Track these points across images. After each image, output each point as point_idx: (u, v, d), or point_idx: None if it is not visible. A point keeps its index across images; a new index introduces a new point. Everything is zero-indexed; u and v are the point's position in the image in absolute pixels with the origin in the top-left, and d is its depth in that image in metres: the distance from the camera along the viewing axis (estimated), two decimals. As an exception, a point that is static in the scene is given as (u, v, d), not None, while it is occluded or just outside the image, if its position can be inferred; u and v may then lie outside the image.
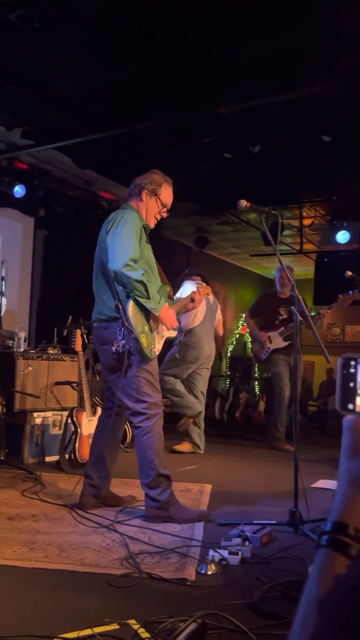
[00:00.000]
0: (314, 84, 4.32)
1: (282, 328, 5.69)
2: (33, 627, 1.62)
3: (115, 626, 1.66)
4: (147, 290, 2.71)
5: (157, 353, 2.84)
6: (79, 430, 4.03)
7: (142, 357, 2.73)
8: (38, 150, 5.89)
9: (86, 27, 3.83)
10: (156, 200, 2.96)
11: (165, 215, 3.03)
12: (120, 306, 2.72)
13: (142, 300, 2.72)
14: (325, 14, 3.60)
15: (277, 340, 5.74)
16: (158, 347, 2.86)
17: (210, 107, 4.71)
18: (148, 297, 2.73)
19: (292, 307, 2.96)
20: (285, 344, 5.63)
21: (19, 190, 6.29)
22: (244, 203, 2.93)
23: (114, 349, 2.68)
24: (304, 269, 9.54)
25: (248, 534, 2.45)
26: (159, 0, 3.52)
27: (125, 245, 2.68)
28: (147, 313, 2.77)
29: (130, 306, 2.70)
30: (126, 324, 2.68)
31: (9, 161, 6.36)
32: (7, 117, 5.31)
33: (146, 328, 2.75)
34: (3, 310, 5.51)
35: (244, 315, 6.14)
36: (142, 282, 2.68)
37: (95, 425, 4.10)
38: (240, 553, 2.27)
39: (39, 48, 4.07)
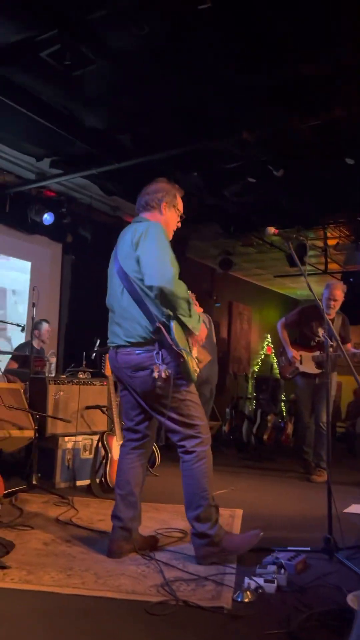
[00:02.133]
0: (335, 109, 4.38)
1: (318, 353, 5.14)
2: (75, 655, 1.65)
3: (155, 655, 1.68)
4: (190, 308, 2.56)
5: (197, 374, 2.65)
6: (109, 454, 4.07)
7: (188, 380, 2.56)
8: (66, 179, 6.06)
9: (115, 62, 3.97)
10: (175, 211, 2.81)
11: (179, 225, 2.89)
12: (161, 328, 2.51)
13: (184, 319, 2.52)
14: (343, 42, 3.68)
15: (308, 364, 5.20)
16: (196, 368, 2.66)
17: (234, 133, 4.81)
18: (190, 316, 2.56)
19: (323, 334, 2.95)
20: (317, 371, 5.14)
21: (47, 218, 6.47)
22: (271, 230, 2.96)
23: (155, 374, 2.47)
24: (329, 289, 9.51)
25: (283, 561, 2.44)
26: (183, 33, 3.64)
27: (166, 259, 2.49)
28: (186, 333, 2.58)
29: (175, 327, 2.50)
30: (174, 347, 2.48)
31: (37, 190, 6.56)
32: (36, 148, 5.50)
33: (188, 349, 2.55)
34: (46, 335, 5.65)
35: (277, 324, 5.50)
36: (187, 300, 2.53)
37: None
38: (276, 581, 2.26)
39: (68, 83, 4.23)
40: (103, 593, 2.16)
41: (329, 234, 7.69)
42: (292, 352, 5.26)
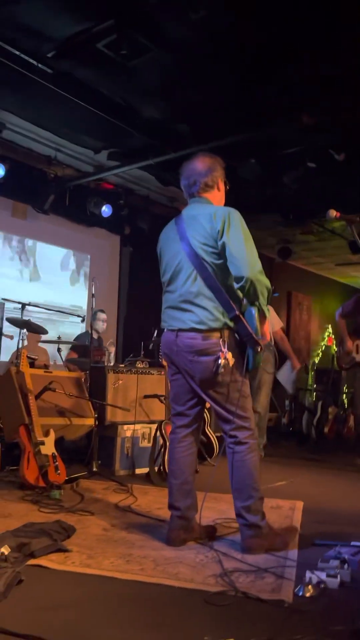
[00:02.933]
0: None
1: None
2: (134, 640, 1.65)
3: (214, 645, 1.65)
4: (269, 296, 2.54)
5: None
6: (168, 443, 4.07)
7: (255, 367, 2.56)
8: (124, 170, 6.10)
9: (172, 52, 3.94)
10: (225, 183, 2.76)
11: None
12: (241, 317, 2.50)
13: (264, 307, 2.53)
14: None
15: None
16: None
17: (294, 117, 4.67)
18: (268, 303, 2.57)
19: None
20: None
21: (106, 210, 6.55)
22: (333, 213, 2.83)
23: (222, 361, 2.45)
24: (392, 277, 9.15)
25: (346, 557, 2.36)
26: (239, 18, 3.56)
27: (253, 250, 2.49)
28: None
29: (256, 315, 2.51)
30: (253, 335, 2.48)
31: (96, 182, 6.64)
32: (94, 140, 5.57)
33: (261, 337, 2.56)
34: (104, 325, 5.76)
35: (336, 313, 5.52)
36: (269, 288, 2.53)
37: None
38: (339, 576, 2.19)
39: (125, 73, 4.23)
40: (162, 580, 2.17)
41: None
42: (348, 342, 5.21)
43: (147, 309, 7.05)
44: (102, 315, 5.84)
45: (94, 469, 4.08)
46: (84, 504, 3.35)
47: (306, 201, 6.68)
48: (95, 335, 5.72)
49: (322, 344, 11.52)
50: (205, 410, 4.81)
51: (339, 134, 5.01)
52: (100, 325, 5.80)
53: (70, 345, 5.80)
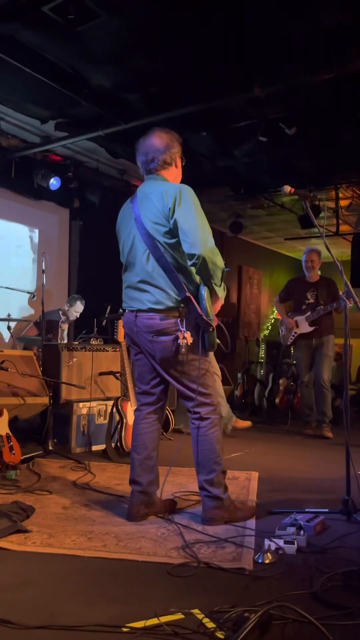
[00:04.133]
0: (352, 62, 4.20)
1: (309, 313, 5.65)
2: (101, 617, 1.66)
3: (180, 616, 1.69)
4: (222, 278, 2.56)
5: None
6: (124, 419, 4.08)
7: (210, 348, 2.59)
8: (72, 141, 5.91)
9: (119, 17, 3.80)
10: (182, 159, 2.75)
11: None
12: (191, 297, 2.50)
13: (216, 288, 2.56)
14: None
15: (303, 325, 5.69)
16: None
17: (246, 90, 4.64)
18: (220, 285, 2.58)
19: (342, 294, 2.90)
20: (311, 329, 5.63)
21: (54, 183, 6.34)
22: (288, 189, 2.87)
23: (181, 341, 2.47)
24: (340, 251, 9.38)
25: (302, 523, 2.45)
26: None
27: (205, 227, 2.48)
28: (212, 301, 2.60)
29: (206, 296, 2.52)
30: (204, 316, 2.50)
31: (43, 154, 6.41)
32: (40, 109, 5.35)
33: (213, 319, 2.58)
34: (77, 315, 5.68)
35: (274, 300, 6.13)
36: (222, 270, 2.53)
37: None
38: (295, 542, 2.27)
39: (73, 39, 4.06)
40: (125, 555, 2.19)
41: (340, 195, 7.52)
42: (289, 320, 5.81)
43: (99, 284, 6.95)
44: (81, 307, 5.73)
45: (50, 448, 4.03)
46: (42, 483, 3.32)
47: (257, 175, 6.69)
48: (63, 318, 5.62)
49: (272, 317, 11.74)
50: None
51: (291, 107, 5.02)
52: (73, 314, 5.71)
53: (25, 323, 5.65)
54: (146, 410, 2.77)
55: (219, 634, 1.57)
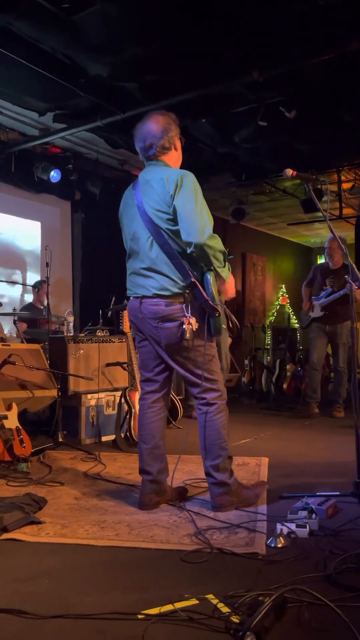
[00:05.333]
0: (351, 42, 4.14)
1: (323, 298, 5.76)
2: (116, 605, 1.67)
3: (194, 601, 1.70)
4: (225, 259, 2.55)
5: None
6: (132, 409, 4.09)
7: (216, 333, 2.56)
8: (71, 133, 5.88)
9: (115, 4, 3.75)
10: (181, 141, 2.72)
11: None
12: (196, 283, 2.49)
13: (219, 270, 2.54)
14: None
15: (316, 310, 5.83)
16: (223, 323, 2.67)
17: (244, 75, 4.59)
18: (224, 266, 2.56)
19: (347, 276, 2.88)
20: (321, 314, 5.74)
21: (54, 175, 6.33)
22: (290, 172, 2.83)
23: (186, 327, 2.46)
24: (344, 234, 9.28)
25: (313, 507, 2.45)
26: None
27: (203, 214, 2.46)
28: (218, 284, 2.59)
29: (212, 280, 2.50)
30: (210, 302, 2.48)
31: (42, 147, 6.39)
32: (38, 102, 5.31)
33: (220, 302, 2.57)
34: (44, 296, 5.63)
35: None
36: (223, 252, 2.52)
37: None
38: (308, 526, 2.28)
39: (68, 28, 4.02)
40: (138, 544, 2.20)
41: (343, 177, 7.45)
42: (306, 304, 5.96)
43: (103, 275, 6.96)
44: (44, 287, 5.70)
45: (60, 440, 4.05)
46: (53, 474, 3.34)
47: (258, 161, 6.64)
48: (40, 306, 5.62)
49: (277, 303, 11.71)
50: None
51: (290, 91, 4.96)
52: (43, 297, 5.69)
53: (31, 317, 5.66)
54: (150, 399, 2.76)
55: (234, 619, 1.58)
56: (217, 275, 2.56)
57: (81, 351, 4.45)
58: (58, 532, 2.33)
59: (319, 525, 2.33)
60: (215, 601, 1.69)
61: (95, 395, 4.42)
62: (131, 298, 2.70)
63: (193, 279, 2.49)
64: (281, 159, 6.47)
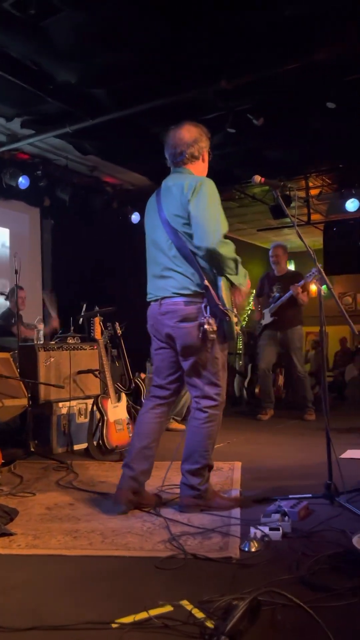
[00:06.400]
0: (318, 52, 4.22)
1: (272, 305, 5.89)
2: (90, 614, 1.65)
3: (169, 608, 1.69)
4: (237, 267, 2.58)
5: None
6: (105, 417, 4.06)
7: (229, 338, 2.59)
8: (39, 139, 5.84)
9: (83, 11, 3.75)
10: (209, 153, 2.79)
11: None
12: (209, 286, 2.53)
13: (232, 278, 2.58)
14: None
15: (266, 317, 5.93)
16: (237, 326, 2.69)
17: (212, 83, 4.64)
18: (237, 273, 2.59)
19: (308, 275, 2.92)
20: (271, 319, 5.85)
21: (22, 182, 6.27)
22: (258, 178, 2.88)
23: (207, 326, 2.47)
24: (312, 240, 9.46)
25: (286, 509, 2.47)
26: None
27: (216, 220, 2.50)
28: (231, 290, 2.63)
29: (223, 285, 2.55)
30: (220, 306, 2.52)
31: (10, 153, 6.32)
32: (5, 107, 5.27)
33: (231, 307, 2.60)
34: (21, 302, 5.53)
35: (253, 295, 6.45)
36: (235, 259, 2.55)
37: (121, 410, 4.15)
38: (281, 528, 2.29)
39: (36, 34, 4.00)
40: (111, 552, 2.18)
41: (310, 184, 7.59)
42: (257, 314, 6.09)
43: (74, 282, 6.90)
44: (22, 293, 5.62)
45: (31, 449, 3.99)
46: (24, 485, 3.28)
47: (227, 167, 6.71)
48: (13, 310, 5.52)
49: (248, 309, 11.80)
50: (140, 380, 4.84)
51: (259, 99, 5.03)
52: (20, 303, 5.59)
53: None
54: (156, 402, 2.79)
55: (209, 624, 1.58)
56: (231, 283, 2.60)
57: (52, 359, 4.40)
58: (30, 543, 2.29)
59: (291, 528, 2.35)
60: (189, 607, 1.69)
61: (67, 404, 4.37)
62: (151, 303, 2.73)
63: (206, 282, 2.53)
64: (250, 165, 6.55)
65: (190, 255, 2.55)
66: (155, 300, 2.69)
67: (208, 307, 2.52)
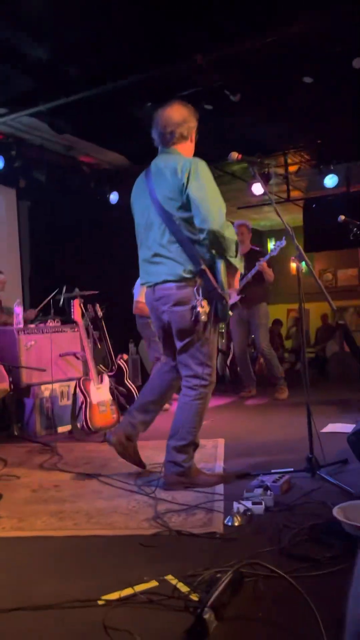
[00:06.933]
0: (292, 24, 4.17)
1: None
2: (76, 593, 1.67)
3: (154, 583, 1.72)
4: (237, 249, 2.59)
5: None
6: (88, 399, 4.06)
7: (223, 319, 2.66)
8: (13, 118, 5.70)
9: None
10: (196, 133, 2.81)
11: None
12: (206, 270, 2.54)
13: (232, 260, 2.59)
14: None
15: (233, 296, 5.83)
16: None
17: (187, 58, 4.56)
18: (236, 256, 2.62)
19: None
20: (237, 298, 5.78)
21: (-3, 162, 6.12)
22: (235, 155, 2.85)
23: (199, 309, 2.52)
24: (292, 217, 9.47)
25: (268, 484, 2.51)
26: None
27: (218, 202, 2.52)
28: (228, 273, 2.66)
29: (222, 269, 2.57)
30: (218, 289, 2.56)
31: (-17, 133, 6.17)
32: (-24, 86, 5.12)
33: (227, 289, 2.64)
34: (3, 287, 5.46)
35: None
36: (236, 242, 2.57)
37: (103, 392, 4.16)
38: (263, 502, 2.34)
39: (5, 10, 3.88)
40: (97, 532, 2.20)
41: (289, 160, 7.55)
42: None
43: (53, 264, 6.82)
44: (1, 277, 5.54)
45: (15, 433, 3.99)
46: (8, 468, 3.28)
47: (204, 144, 6.63)
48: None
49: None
50: (123, 361, 4.83)
51: (235, 74, 4.97)
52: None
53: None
54: (171, 364, 2.86)
55: (194, 597, 1.61)
56: (229, 265, 2.61)
57: (33, 342, 4.37)
58: (15, 526, 2.30)
59: (274, 502, 2.40)
60: (174, 581, 1.72)
61: (49, 387, 4.37)
62: (146, 288, 2.77)
63: (203, 266, 2.55)
64: (228, 142, 6.49)
65: (185, 240, 2.56)
66: (149, 286, 2.72)
67: (200, 290, 2.54)
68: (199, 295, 2.54)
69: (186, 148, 2.74)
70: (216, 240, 2.50)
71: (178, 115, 2.69)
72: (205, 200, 2.49)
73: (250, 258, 5.72)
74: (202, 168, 2.55)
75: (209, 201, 2.49)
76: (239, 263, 2.65)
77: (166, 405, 4.99)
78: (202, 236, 2.52)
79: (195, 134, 2.79)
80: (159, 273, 2.64)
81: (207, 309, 2.55)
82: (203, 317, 2.54)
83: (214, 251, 2.57)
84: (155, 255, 2.65)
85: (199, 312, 2.53)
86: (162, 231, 2.61)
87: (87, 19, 4.07)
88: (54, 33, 4.25)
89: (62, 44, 4.41)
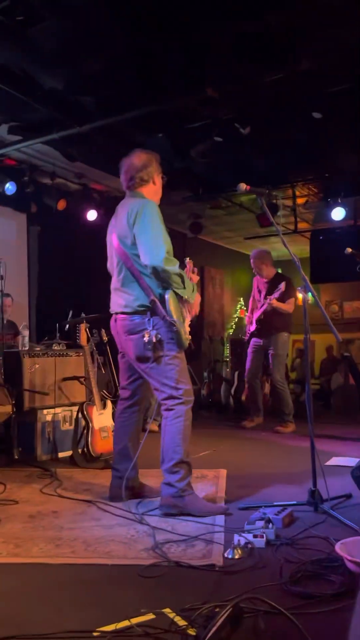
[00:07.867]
0: (301, 61, 4.27)
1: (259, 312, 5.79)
2: (71, 623, 1.64)
3: (151, 616, 1.68)
4: (183, 281, 2.78)
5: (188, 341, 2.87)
6: (90, 424, 4.04)
7: (179, 346, 2.79)
8: (26, 145, 5.83)
9: (71, 19, 3.76)
10: (160, 176, 3.02)
11: None
12: (156, 301, 2.75)
13: (179, 291, 2.79)
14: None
15: (254, 324, 5.89)
16: (187, 335, 2.88)
17: (198, 91, 4.66)
18: (184, 287, 2.81)
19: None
20: (253, 327, 5.82)
21: (9, 188, 6.24)
22: (243, 186, 2.91)
23: (146, 339, 2.73)
24: (299, 248, 9.52)
25: (270, 516, 2.47)
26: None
27: (159, 238, 2.72)
28: (181, 303, 2.84)
29: (171, 299, 2.74)
30: (167, 317, 2.73)
31: (-3, 158, 6.29)
32: (-8, 114, 5.25)
33: (181, 318, 2.79)
34: (9, 310, 5.49)
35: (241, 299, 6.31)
36: (180, 274, 2.75)
37: (106, 418, 4.13)
38: (264, 535, 2.29)
39: (22, 41, 4.00)
40: (94, 560, 2.16)
41: (297, 192, 7.64)
42: (246, 318, 6.04)
43: (60, 289, 6.87)
44: (7, 300, 5.57)
45: (15, 457, 3.96)
46: (7, 493, 3.24)
47: (214, 175, 6.74)
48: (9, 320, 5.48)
49: (235, 316, 11.83)
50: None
51: (244, 107, 5.08)
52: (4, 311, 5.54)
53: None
54: (123, 405, 3.06)
55: (191, 631, 1.57)
56: (179, 296, 2.80)
57: (37, 365, 4.37)
58: (11, 552, 2.26)
59: (275, 535, 2.35)
60: (172, 615, 1.68)
61: (52, 411, 4.34)
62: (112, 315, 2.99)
63: (152, 297, 2.76)
64: (237, 174, 6.59)
65: (138, 274, 2.79)
66: (113, 314, 2.96)
67: (152, 320, 2.75)
68: (149, 324, 2.74)
69: (149, 190, 2.95)
70: (159, 274, 2.70)
71: (138, 161, 2.93)
72: (146, 237, 2.71)
73: (273, 284, 5.67)
74: (148, 209, 2.76)
75: (149, 238, 2.71)
76: (188, 293, 2.85)
77: (153, 427, 4.93)
78: (148, 271, 2.74)
79: (158, 177, 2.99)
80: (118, 304, 2.89)
81: (154, 338, 2.73)
82: (149, 346, 2.73)
83: (164, 284, 2.76)
84: (116, 288, 2.92)
85: (145, 341, 2.73)
86: (120, 267, 2.87)
87: (100, 51, 4.19)
88: (68, 65, 4.37)
89: (76, 75, 4.53)
